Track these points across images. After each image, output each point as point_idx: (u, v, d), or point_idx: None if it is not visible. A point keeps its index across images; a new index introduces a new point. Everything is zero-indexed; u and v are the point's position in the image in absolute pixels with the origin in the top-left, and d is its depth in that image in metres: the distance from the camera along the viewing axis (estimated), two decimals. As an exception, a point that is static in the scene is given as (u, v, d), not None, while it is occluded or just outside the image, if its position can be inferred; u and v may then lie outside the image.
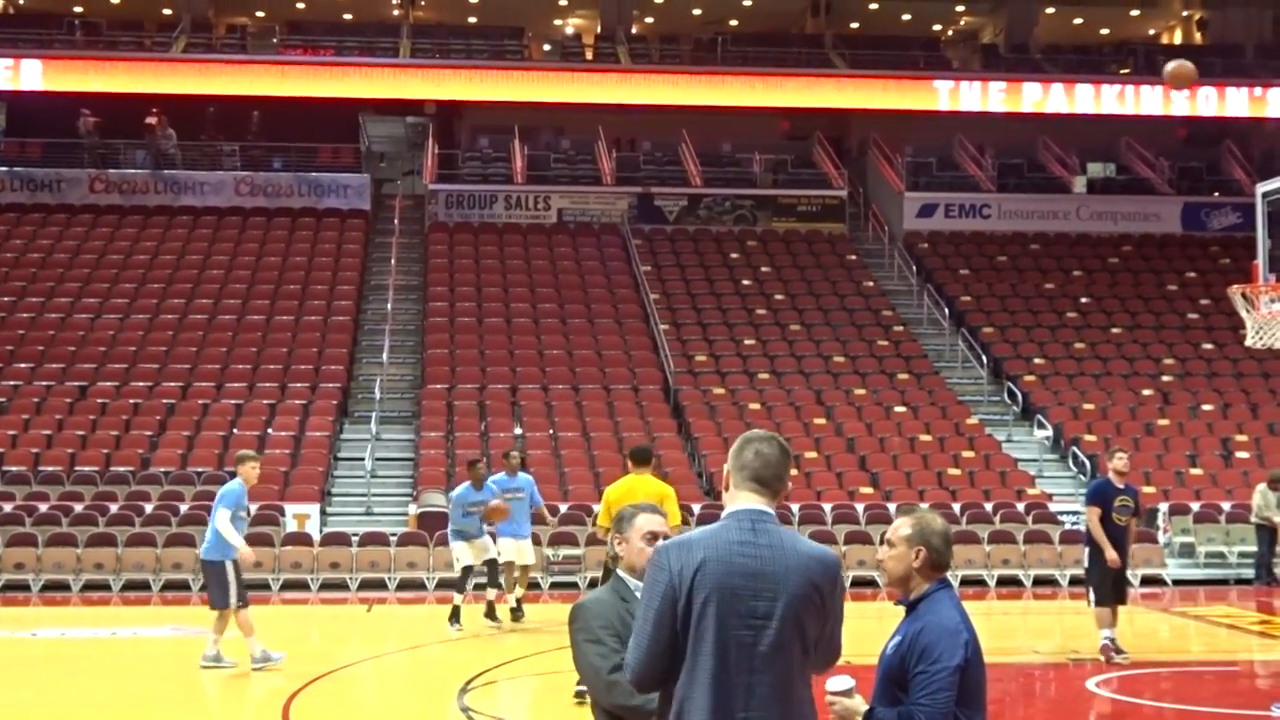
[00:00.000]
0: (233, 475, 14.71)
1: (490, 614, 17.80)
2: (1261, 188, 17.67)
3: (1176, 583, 23.67)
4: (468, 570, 17.81)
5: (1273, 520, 23.12)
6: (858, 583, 23.05)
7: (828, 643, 4.76)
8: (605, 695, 5.25)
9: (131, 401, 27.27)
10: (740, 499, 4.73)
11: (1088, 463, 26.35)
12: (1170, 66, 11.15)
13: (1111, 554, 14.31)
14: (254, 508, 23.63)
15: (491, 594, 18.03)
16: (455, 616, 17.54)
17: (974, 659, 5.02)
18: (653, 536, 5.44)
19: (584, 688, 5.49)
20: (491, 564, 17.91)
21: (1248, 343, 17.58)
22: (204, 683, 14.00)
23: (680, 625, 4.60)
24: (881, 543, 5.33)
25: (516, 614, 18.13)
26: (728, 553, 4.61)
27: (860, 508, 24.73)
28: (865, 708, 5.05)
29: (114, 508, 23.47)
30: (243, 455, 14.67)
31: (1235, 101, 38.37)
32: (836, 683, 5.03)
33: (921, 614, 5.12)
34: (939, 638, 5.02)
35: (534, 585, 19.23)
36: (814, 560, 4.67)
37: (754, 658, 4.58)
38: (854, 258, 35.13)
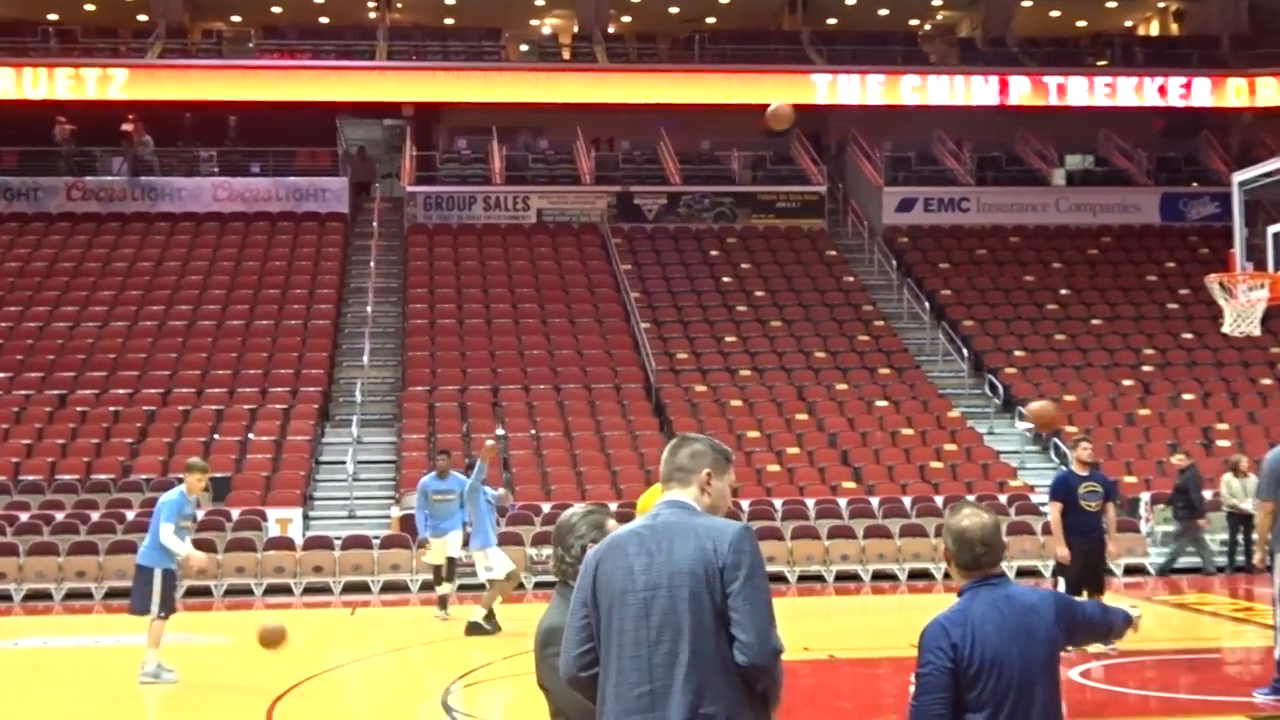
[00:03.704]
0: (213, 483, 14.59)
1: (443, 604, 18.58)
2: (1238, 177, 17.78)
3: (1159, 571, 23.73)
4: (452, 561, 18.39)
5: (1241, 507, 23.20)
6: (841, 576, 23.08)
7: (745, 617, 4.61)
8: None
9: (112, 409, 27.19)
10: (663, 496, 4.99)
11: (1069, 454, 26.36)
12: (772, 107, 11.00)
13: (1063, 550, 14.35)
14: (235, 513, 23.69)
15: (447, 588, 18.67)
16: (444, 604, 18.32)
17: (978, 661, 4.93)
18: None
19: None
20: (449, 560, 18.57)
21: (1225, 330, 17.69)
22: (186, 690, 13.94)
23: (595, 619, 4.84)
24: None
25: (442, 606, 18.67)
26: (627, 541, 4.84)
27: (843, 502, 24.73)
28: None
29: (95, 516, 23.39)
30: (193, 464, 14.41)
31: (1212, 92, 38.46)
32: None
33: (944, 611, 5.12)
34: (930, 639, 5.02)
35: (519, 586, 19.24)
36: (705, 529, 4.76)
37: (650, 630, 4.69)
38: (834, 253, 35.15)
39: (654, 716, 4.64)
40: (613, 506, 12.00)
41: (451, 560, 18.77)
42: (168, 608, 13.93)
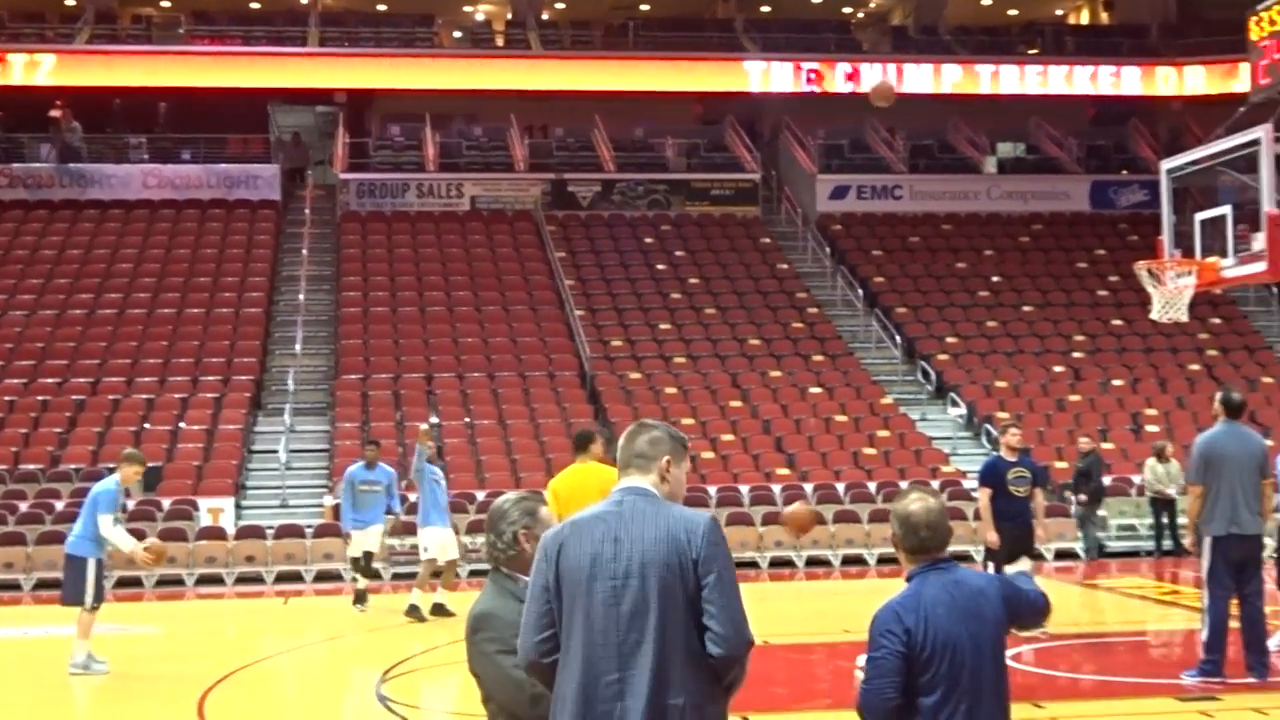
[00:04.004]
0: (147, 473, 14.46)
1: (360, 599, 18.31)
2: (1166, 165, 17.93)
3: (1089, 555, 23.96)
4: (370, 555, 18.40)
5: (1165, 492, 23.49)
6: (775, 563, 23.17)
7: (719, 609, 4.66)
8: (530, 708, 5.09)
9: (40, 398, 26.91)
10: (620, 482, 4.96)
11: (999, 440, 26.57)
12: (874, 85, 11.51)
13: (992, 535, 14.49)
14: (167, 502, 23.51)
15: (364, 584, 18.44)
16: (362, 598, 18.09)
17: (930, 645, 4.98)
18: None
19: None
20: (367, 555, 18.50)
21: (1153, 317, 17.84)
22: (117, 681, 13.83)
23: (556, 604, 4.79)
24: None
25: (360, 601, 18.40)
26: (591, 526, 4.82)
27: (777, 489, 24.82)
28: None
29: (24, 506, 23.17)
30: (131, 455, 14.36)
31: (1141, 81, 38.84)
32: (864, 657, 5.15)
33: (896, 595, 5.16)
34: (882, 623, 5.06)
35: (436, 574, 19.20)
36: (676, 520, 4.77)
37: (617, 617, 4.68)
38: (768, 240, 35.23)
39: (622, 705, 4.64)
40: (547, 494, 11.92)
41: (370, 555, 18.60)
42: (99, 598, 13.83)
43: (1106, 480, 25.39)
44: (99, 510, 13.61)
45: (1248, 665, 11.89)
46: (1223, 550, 11.81)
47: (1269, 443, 13.55)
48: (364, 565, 18.47)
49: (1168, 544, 23.62)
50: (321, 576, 22.36)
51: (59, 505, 23.00)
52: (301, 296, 31.22)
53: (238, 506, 24.21)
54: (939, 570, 5.14)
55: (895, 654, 4.96)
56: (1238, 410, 12.20)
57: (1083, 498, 23.66)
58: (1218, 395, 12.49)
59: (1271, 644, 12.72)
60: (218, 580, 22.13)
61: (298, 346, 29.35)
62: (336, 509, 21.18)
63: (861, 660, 5.14)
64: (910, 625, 4.98)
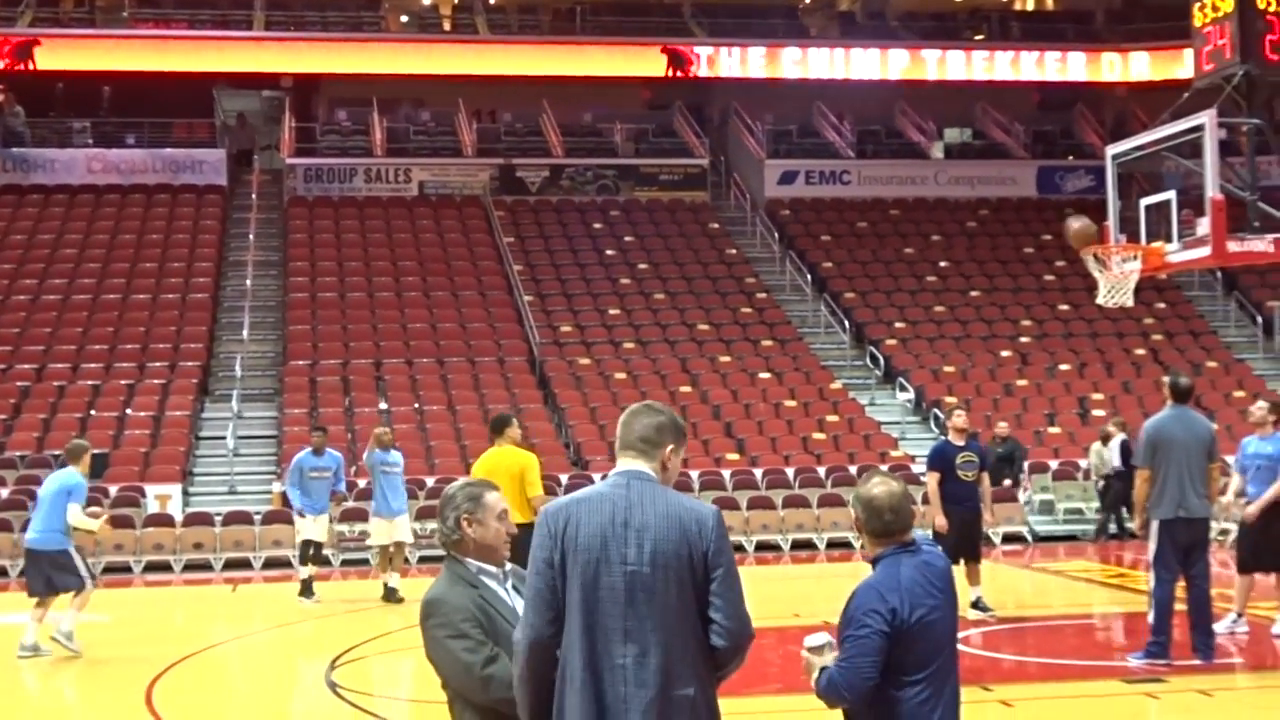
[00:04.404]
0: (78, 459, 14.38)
1: (306, 590, 18.08)
2: (1112, 150, 18.02)
3: (1037, 539, 24.15)
4: (306, 545, 18.13)
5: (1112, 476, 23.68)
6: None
7: (726, 602, 4.71)
8: (482, 692, 5.08)
9: (-16, 385, 26.67)
10: (619, 463, 4.92)
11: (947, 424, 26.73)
12: (1075, 226, 11.91)
13: (940, 520, 14.56)
14: (114, 489, 23.37)
15: (307, 571, 18.24)
16: (308, 590, 17.84)
17: (912, 625, 5.03)
18: (505, 513, 5.40)
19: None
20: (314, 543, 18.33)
21: (1099, 302, 17.94)
22: (63, 668, 13.74)
23: (560, 581, 4.74)
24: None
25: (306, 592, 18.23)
26: (599, 506, 4.78)
27: (727, 474, 24.90)
28: (822, 665, 5.13)
29: (-32, 493, 22.97)
30: (81, 445, 14.67)
31: (1087, 66, 39.08)
32: (812, 639, 5.18)
33: (872, 575, 5.20)
34: (865, 602, 5.09)
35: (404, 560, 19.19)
36: (686, 510, 4.77)
37: (628, 603, 4.68)
38: (716, 226, 35.25)
39: (629, 690, 4.65)
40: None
41: (317, 544, 18.39)
42: (93, 577, 14.45)
43: (1054, 464, 25.62)
44: (72, 500, 13.92)
45: (1194, 647, 12.01)
46: (1170, 533, 11.91)
47: (1215, 426, 13.67)
48: (312, 553, 18.29)
49: (1112, 527, 23.82)
50: (270, 563, 22.26)
51: (3, 493, 22.81)
52: (248, 282, 31.04)
53: (185, 493, 24.07)
54: (909, 552, 5.19)
55: (879, 633, 5.01)
56: (1185, 395, 12.32)
57: (1007, 483, 23.77)
58: (1165, 380, 12.61)
59: (1219, 627, 12.86)
60: (165, 567, 22.00)
61: (245, 332, 29.19)
62: (284, 495, 21.08)
63: (809, 641, 5.17)
64: (895, 605, 5.04)
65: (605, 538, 4.71)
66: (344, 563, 21.96)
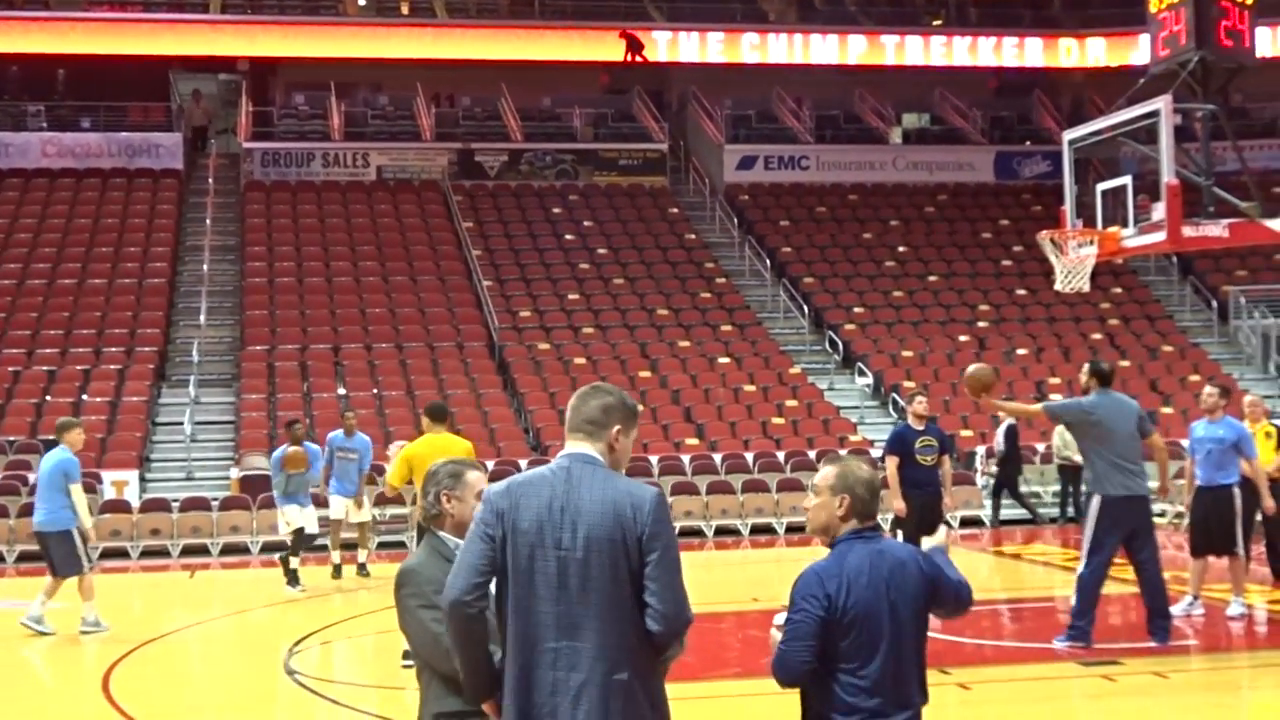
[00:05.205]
0: (50, 444, 14.57)
1: (336, 573, 18.46)
2: (1069, 136, 18.12)
3: (994, 523, 24.25)
4: (299, 533, 17.80)
5: (1073, 459, 23.77)
6: (685, 533, 23.23)
7: (661, 586, 4.69)
8: (446, 662, 5.12)
9: (-62, 371, 26.45)
10: (567, 446, 4.93)
11: (906, 409, 26.82)
12: (972, 369, 12.14)
13: (899, 504, 14.56)
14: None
15: (337, 556, 18.64)
16: (295, 579, 17.58)
17: (849, 613, 4.98)
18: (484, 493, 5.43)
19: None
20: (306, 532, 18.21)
21: (1057, 287, 18.05)
22: (23, 653, 13.67)
23: (500, 558, 4.77)
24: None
25: (362, 571, 18.63)
26: (539, 490, 4.80)
27: (686, 459, 24.93)
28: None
29: (-77, 480, 22.79)
30: (68, 422, 14.86)
31: (1044, 52, 39.25)
32: (781, 618, 5.13)
33: (819, 561, 5.15)
34: (804, 587, 5.06)
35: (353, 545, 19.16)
36: (622, 494, 4.75)
37: (561, 588, 4.69)
38: (675, 211, 35.27)
39: (558, 675, 4.67)
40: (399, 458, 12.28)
41: (301, 532, 18.21)
42: (90, 559, 14.70)
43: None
44: (71, 481, 14.19)
45: (1150, 631, 12.09)
46: (1112, 513, 11.97)
47: (1168, 410, 13.78)
48: (299, 543, 18.03)
49: (1071, 510, 23.95)
50: (228, 550, 22.17)
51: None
52: (205, 267, 30.87)
53: (142, 479, 23.94)
54: (864, 540, 5.16)
55: (814, 618, 4.98)
56: (1110, 378, 12.48)
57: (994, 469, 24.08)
58: (1086, 366, 12.70)
59: (1175, 609, 12.96)
60: (122, 554, 21.87)
61: (202, 318, 29.04)
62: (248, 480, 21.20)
63: (779, 619, 5.17)
64: (831, 591, 5.00)
65: (541, 522, 4.73)
66: (319, 548, 21.89)
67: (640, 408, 5.20)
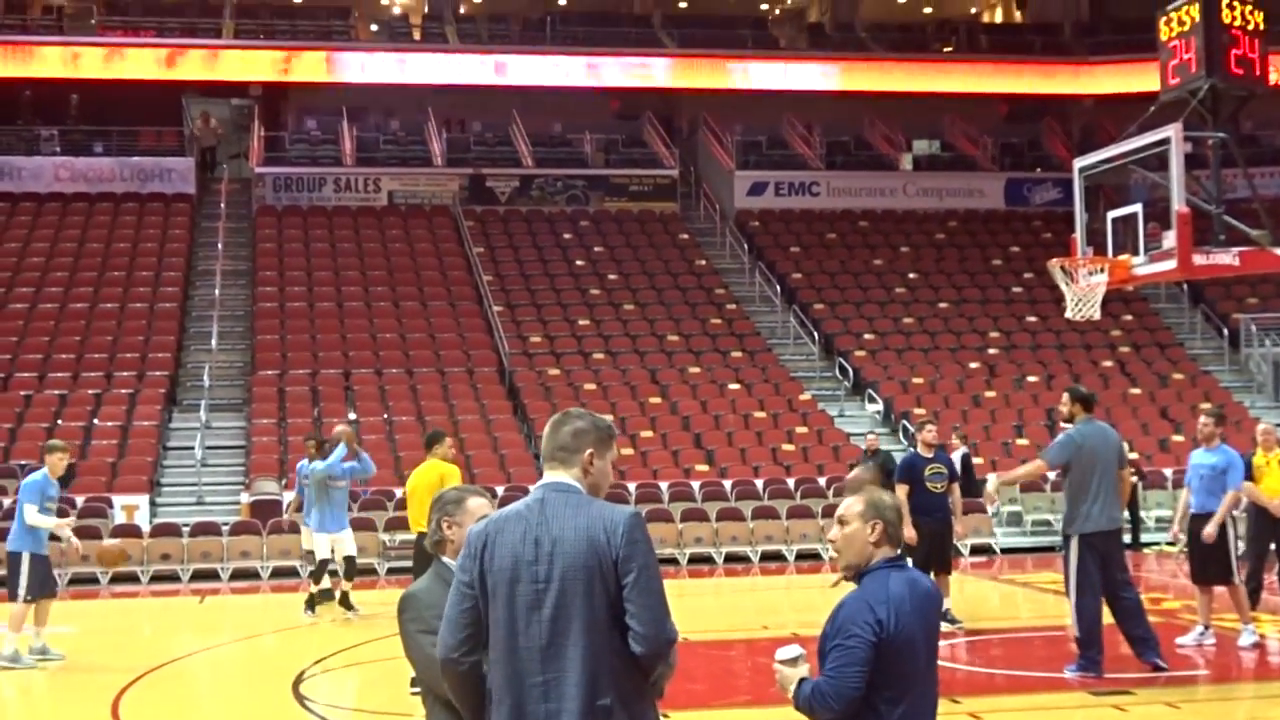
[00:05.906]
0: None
1: (345, 603, 17.68)
2: (1079, 163, 18.11)
3: (1005, 551, 24.21)
4: (324, 564, 17.71)
5: None
6: (695, 559, 23.22)
7: (640, 608, 4.65)
8: (444, 685, 5.16)
9: (-50, 394, 26.51)
10: (544, 476, 4.93)
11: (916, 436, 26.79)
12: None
13: (910, 531, 14.51)
14: (80, 499, 23.19)
15: (347, 585, 17.96)
16: (311, 604, 17.55)
17: (895, 640, 4.97)
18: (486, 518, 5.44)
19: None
20: (348, 558, 17.86)
21: (1068, 315, 18.03)
22: (30, 679, 13.67)
23: (483, 602, 4.79)
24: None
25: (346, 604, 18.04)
26: (513, 524, 4.80)
27: (696, 485, 24.90)
28: (800, 677, 5.06)
29: (-67, 504, 22.81)
30: (52, 445, 14.72)
31: (1054, 79, 39.29)
32: (784, 651, 5.11)
33: (860, 588, 5.14)
34: (854, 613, 5.03)
35: (370, 571, 19.12)
36: (596, 520, 4.73)
37: (542, 622, 4.69)
38: (686, 236, 35.31)
39: (550, 708, 4.65)
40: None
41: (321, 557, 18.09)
42: (36, 591, 14.02)
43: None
44: (25, 501, 13.96)
45: (1138, 655, 12.09)
46: (1092, 547, 11.96)
47: (1179, 438, 13.78)
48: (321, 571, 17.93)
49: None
50: (238, 575, 22.18)
51: (7, 502, 22.66)
52: (217, 291, 30.93)
53: (153, 504, 23.97)
54: (898, 568, 5.18)
55: (867, 644, 4.95)
56: (1092, 403, 12.51)
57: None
58: (1066, 394, 12.66)
59: (1187, 639, 12.93)
60: (133, 579, 21.89)
61: (213, 342, 29.09)
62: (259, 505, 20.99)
63: (781, 654, 5.15)
64: (882, 617, 4.98)
65: (517, 558, 4.72)
66: (389, 571, 21.89)
67: (617, 431, 5.19)
